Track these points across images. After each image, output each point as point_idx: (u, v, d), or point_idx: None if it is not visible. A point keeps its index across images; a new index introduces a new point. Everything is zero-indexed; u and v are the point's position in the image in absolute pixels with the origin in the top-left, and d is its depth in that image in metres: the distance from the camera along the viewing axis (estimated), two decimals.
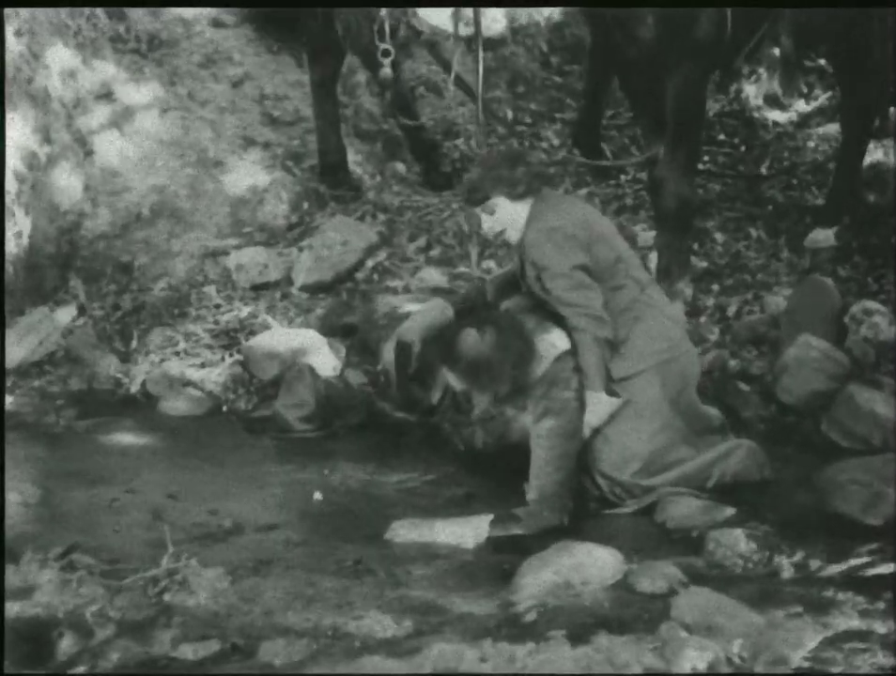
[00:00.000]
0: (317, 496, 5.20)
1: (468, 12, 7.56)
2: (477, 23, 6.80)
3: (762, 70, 8.38)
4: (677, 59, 5.99)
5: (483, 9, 8.94)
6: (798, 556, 4.44)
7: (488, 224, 5.12)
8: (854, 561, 4.38)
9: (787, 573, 4.36)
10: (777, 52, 7.46)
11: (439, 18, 8.57)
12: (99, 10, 8.01)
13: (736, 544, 4.51)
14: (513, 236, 5.11)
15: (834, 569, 4.35)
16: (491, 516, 4.79)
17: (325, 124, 7.78)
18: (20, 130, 7.00)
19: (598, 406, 4.93)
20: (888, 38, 6.99)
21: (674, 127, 6.14)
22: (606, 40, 6.40)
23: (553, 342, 4.97)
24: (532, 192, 5.06)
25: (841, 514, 4.72)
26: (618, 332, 4.98)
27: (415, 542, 4.70)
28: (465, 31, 8.99)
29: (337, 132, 7.82)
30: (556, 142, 8.56)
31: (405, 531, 4.77)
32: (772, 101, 8.51)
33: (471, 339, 4.92)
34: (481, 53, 6.66)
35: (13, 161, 6.89)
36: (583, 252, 4.94)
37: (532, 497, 4.85)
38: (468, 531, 4.74)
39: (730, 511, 4.83)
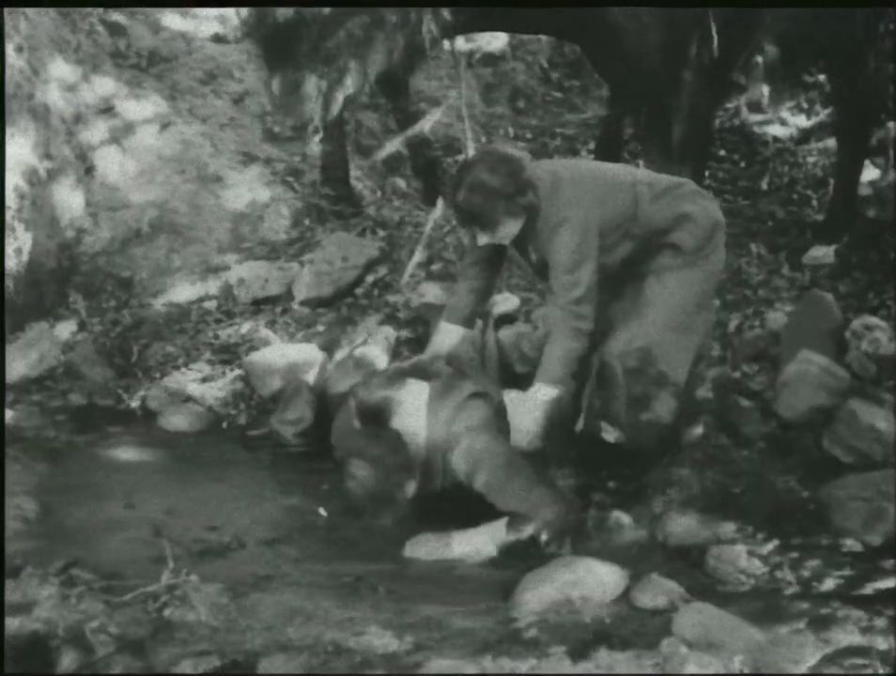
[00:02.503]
0: (322, 511, 5.19)
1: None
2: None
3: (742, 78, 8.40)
4: (681, 84, 6.01)
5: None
6: (800, 572, 4.44)
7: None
8: (855, 578, 4.38)
9: (789, 589, 4.35)
10: (759, 60, 7.49)
11: None
12: (99, 26, 8.03)
13: (737, 560, 4.51)
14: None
15: (835, 585, 4.35)
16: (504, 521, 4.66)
17: (330, 136, 7.75)
18: (20, 146, 7.00)
19: (531, 404, 4.63)
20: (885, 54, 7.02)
21: (679, 146, 6.15)
22: (607, 70, 6.41)
23: (411, 404, 4.75)
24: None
25: (841, 530, 4.72)
26: None
27: (432, 558, 4.67)
28: (465, 47, 9.07)
29: (342, 145, 7.80)
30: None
31: (421, 548, 4.71)
32: (755, 108, 8.51)
33: (350, 495, 4.87)
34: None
35: (13, 177, 6.88)
36: (596, 239, 4.70)
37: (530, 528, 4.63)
38: (484, 539, 4.64)
39: (730, 527, 4.82)
